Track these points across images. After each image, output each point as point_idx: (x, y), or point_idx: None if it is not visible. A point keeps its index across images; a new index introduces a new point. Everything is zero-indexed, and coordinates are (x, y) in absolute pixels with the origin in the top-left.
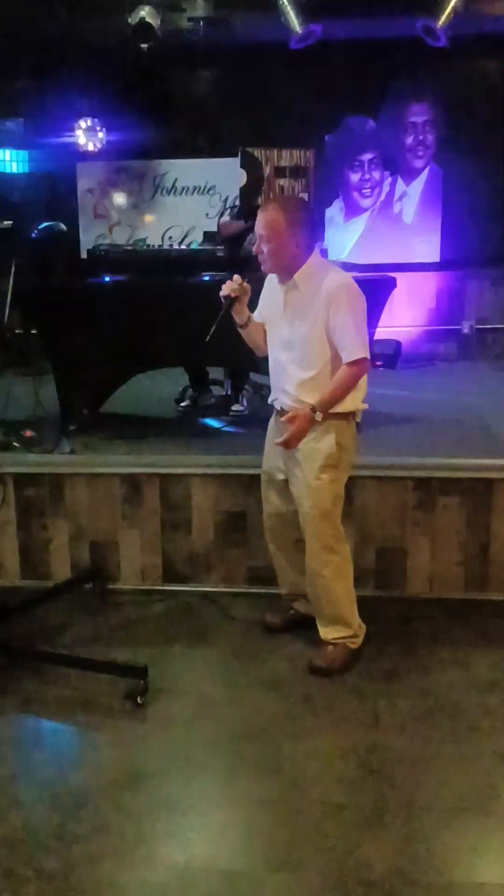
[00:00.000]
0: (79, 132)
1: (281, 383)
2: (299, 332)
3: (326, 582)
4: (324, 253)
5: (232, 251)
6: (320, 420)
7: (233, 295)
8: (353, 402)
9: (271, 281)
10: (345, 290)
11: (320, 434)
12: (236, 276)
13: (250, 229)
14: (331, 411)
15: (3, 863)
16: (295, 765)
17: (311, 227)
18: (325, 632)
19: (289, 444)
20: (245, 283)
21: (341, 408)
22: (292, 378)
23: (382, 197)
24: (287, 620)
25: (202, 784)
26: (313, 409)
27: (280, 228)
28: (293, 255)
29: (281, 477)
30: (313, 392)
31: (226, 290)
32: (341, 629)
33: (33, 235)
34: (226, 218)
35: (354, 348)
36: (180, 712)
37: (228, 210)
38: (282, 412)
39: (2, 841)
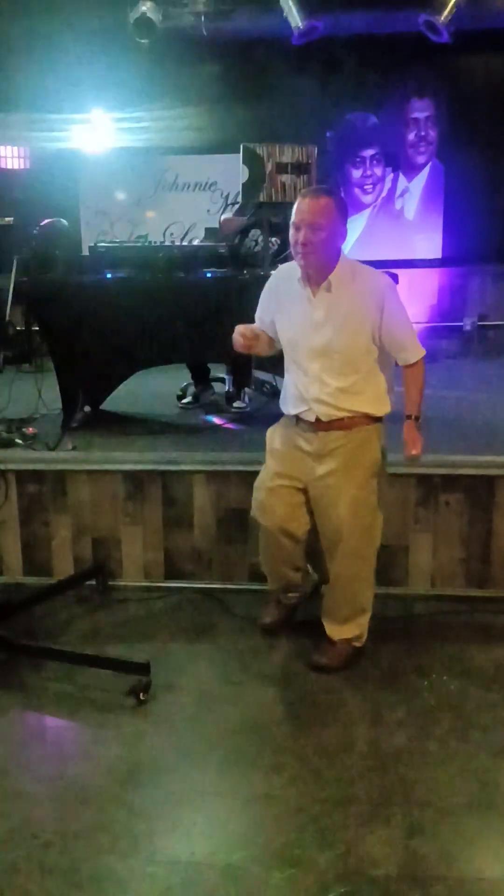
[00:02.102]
0: (80, 127)
1: (313, 394)
2: (340, 339)
3: (356, 589)
4: None
5: (233, 247)
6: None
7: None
8: (389, 404)
9: (285, 285)
10: (392, 291)
11: (363, 441)
12: (244, 331)
13: (252, 225)
14: (372, 414)
15: (6, 858)
16: (297, 760)
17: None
18: (335, 631)
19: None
20: (256, 331)
21: (382, 411)
22: (329, 386)
23: (384, 193)
24: (281, 618)
25: (204, 779)
26: (415, 418)
27: (334, 217)
28: (338, 249)
29: (299, 486)
30: (356, 397)
31: (241, 348)
32: (352, 629)
33: (34, 232)
34: (227, 214)
35: (416, 348)
36: (182, 708)
37: (230, 206)
38: (318, 422)
39: (5, 836)
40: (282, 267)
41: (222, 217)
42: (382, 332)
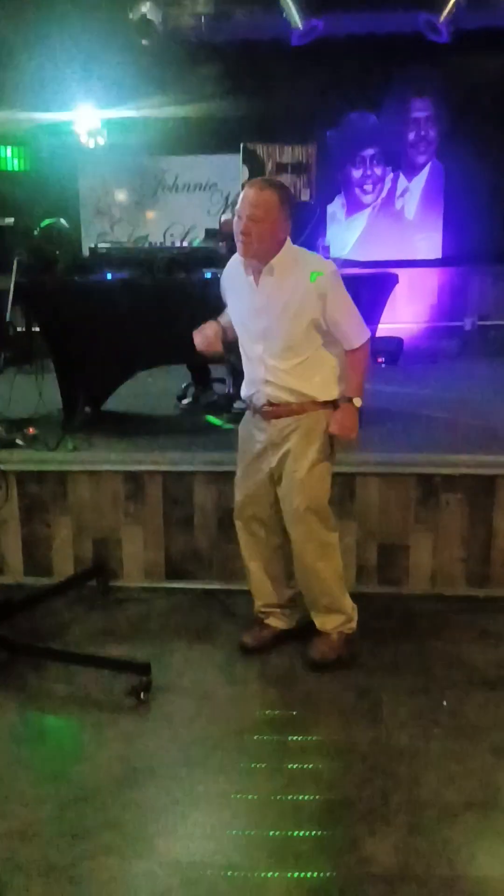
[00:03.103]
0: (81, 128)
1: (260, 377)
2: (280, 324)
3: (320, 573)
4: (326, 250)
5: (233, 248)
6: (359, 405)
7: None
8: (338, 389)
9: (234, 273)
10: (335, 278)
11: (313, 423)
12: (207, 330)
13: None
14: (319, 399)
15: (8, 858)
16: (297, 760)
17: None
18: (323, 622)
19: (349, 434)
20: (215, 329)
21: (329, 395)
22: (274, 369)
23: (384, 193)
24: (263, 641)
25: (205, 780)
26: (353, 400)
27: (275, 210)
28: (280, 240)
29: (265, 475)
30: (301, 381)
31: (205, 346)
32: (336, 616)
33: (35, 233)
34: (227, 215)
35: (359, 334)
36: (183, 709)
37: (230, 207)
38: (266, 406)
39: (5, 836)
40: (233, 257)
41: (223, 218)
42: (327, 318)
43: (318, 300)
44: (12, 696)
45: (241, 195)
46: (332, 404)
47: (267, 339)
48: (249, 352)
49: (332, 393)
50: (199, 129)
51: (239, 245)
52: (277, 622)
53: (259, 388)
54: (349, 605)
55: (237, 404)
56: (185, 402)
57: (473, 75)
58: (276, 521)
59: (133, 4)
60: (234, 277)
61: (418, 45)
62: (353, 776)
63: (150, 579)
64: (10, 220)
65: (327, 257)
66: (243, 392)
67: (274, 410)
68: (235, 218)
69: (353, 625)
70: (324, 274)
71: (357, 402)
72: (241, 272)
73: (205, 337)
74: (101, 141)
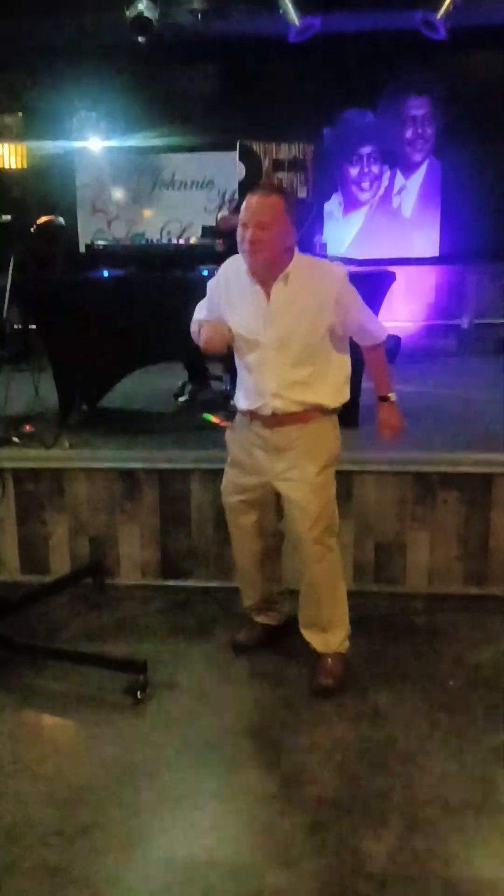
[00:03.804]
0: (77, 126)
1: (270, 387)
2: (297, 332)
3: (329, 583)
4: (323, 247)
5: (231, 245)
6: (394, 398)
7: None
8: (346, 394)
9: (234, 279)
10: (348, 286)
11: (319, 431)
12: (219, 330)
13: None
14: (327, 406)
15: (4, 857)
16: (295, 759)
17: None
18: (326, 641)
19: (401, 431)
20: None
21: (337, 402)
22: (288, 378)
23: (381, 191)
24: (255, 639)
25: (202, 779)
26: (386, 398)
27: (282, 215)
28: (290, 247)
29: (262, 483)
30: (312, 390)
31: (216, 344)
32: (338, 631)
33: (31, 230)
34: (224, 212)
35: (381, 327)
36: (180, 707)
37: (227, 204)
38: (273, 416)
39: (2, 835)
40: (228, 262)
41: (220, 215)
42: (347, 320)
43: (335, 305)
44: (8, 695)
45: (244, 203)
46: (335, 412)
47: (280, 349)
48: (254, 362)
49: (341, 399)
50: (196, 126)
51: (247, 256)
52: (267, 619)
53: (266, 400)
54: (347, 620)
55: (234, 402)
56: (181, 399)
57: (471, 73)
58: (269, 524)
59: (130, 2)
60: (233, 284)
61: (415, 43)
62: (350, 774)
63: (147, 577)
64: (6, 218)
65: (324, 255)
66: (243, 404)
67: (279, 419)
68: (240, 227)
69: (347, 643)
70: (337, 279)
71: (392, 396)
72: (243, 280)
73: (222, 336)
74: (98, 138)
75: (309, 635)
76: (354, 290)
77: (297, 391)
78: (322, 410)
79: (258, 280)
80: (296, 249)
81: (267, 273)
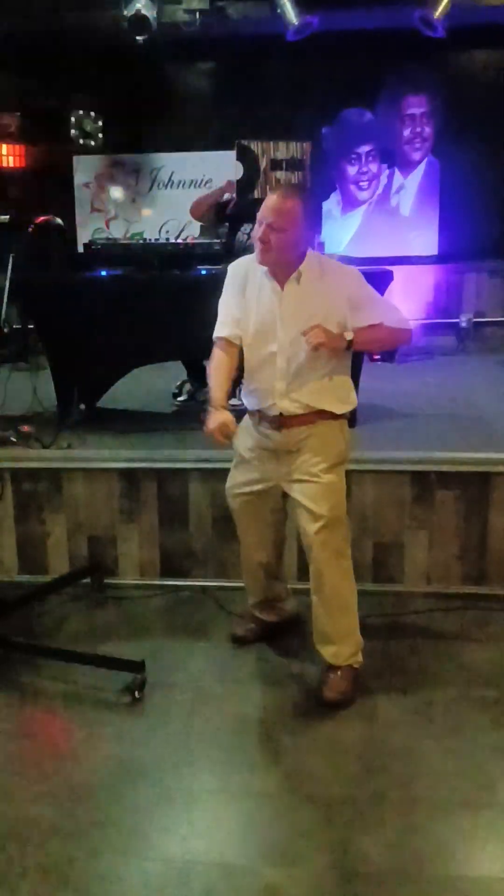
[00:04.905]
0: (75, 126)
1: (279, 388)
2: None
3: (343, 591)
4: (321, 246)
5: (228, 243)
6: (350, 338)
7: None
8: (353, 401)
9: (249, 278)
10: (360, 283)
11: (327, 431)
12: (225, 420)
13: (240, 218)
14: (334, 412)
15: (2, 857)
16: (293, 758)
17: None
18: (336, 652)
19: (319, 344)
20: (229, 428)
21: (345, 408)
22: (296, 380)
23: (380, 190)
24: (255, 633)
25: (200, 778)
26: (351, 340)
27: (298, 220)
28: (301, 252)
29: (269, 485)
30: (321, 394)
31: (218, 438)
32: (351, 644)
33: (28, 229)
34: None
35: (404, 323)
36: (178, 706)
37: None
38: (281, 418)
39: (1, 835)
40: (240, 261)
41: (192, 205)
42: (358, 316)
43: (346, 302)
44: (6, 694)
45: (264, 202)
46: (345, 416)
47: (290, 350)
48: (264, 362)
49: (348, 406)
50: (194, 126)
51: (257, 251)
52: (268, 616)
53: (274, 400)
54: (358, 629)
55: (232, 401)
56: (180, 399)
57: (469, 71)
58: (269, 531)
59: (128, 1)
60: (250, 283)
61: (414, 41)
62: (348, 773)
63: (145, 577)
64: (5, 218)
65: (322, 253)
66: (250, 404)
67: (286, 420)
68: (256, 223)
69: (361, 657)
70: (350, 276)
71: (348, 335)
72: (258, 277)
73: (231, 432)
74: (96, 137)
75: (321, 647)
76: (369, 287)
77: (304, 394)
78: (330, 415)
79: (275, 277)
80: (310, 250)
81: (277, 269)
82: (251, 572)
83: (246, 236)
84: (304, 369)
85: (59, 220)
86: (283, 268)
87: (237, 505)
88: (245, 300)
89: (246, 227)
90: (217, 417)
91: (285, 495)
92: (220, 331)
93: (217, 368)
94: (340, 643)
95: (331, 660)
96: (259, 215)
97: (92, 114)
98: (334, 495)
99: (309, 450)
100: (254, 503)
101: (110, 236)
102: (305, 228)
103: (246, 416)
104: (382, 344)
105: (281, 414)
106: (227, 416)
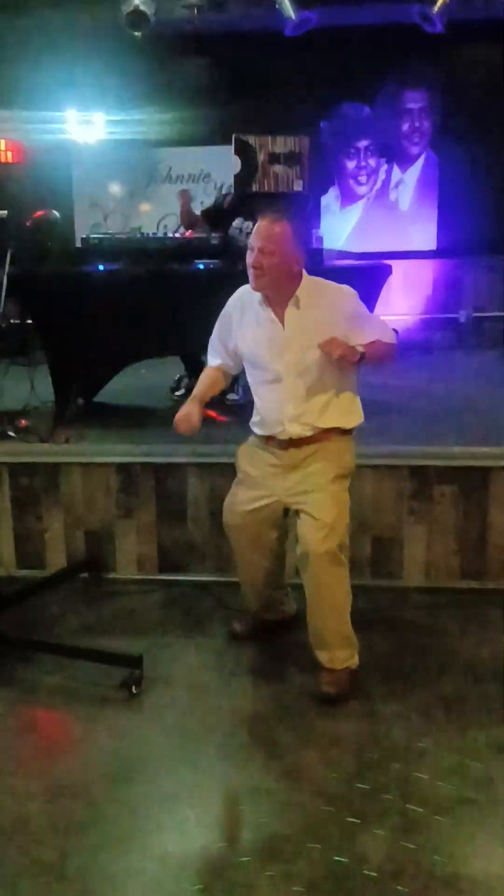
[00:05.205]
0: (74, 120)
1: (288, 413)
2: (313, 356)
3: (339, 598)
4: (319, 241)
5: (226, 240)
6: (362, 351)
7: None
8: (360, 415)
9: (246, 307)
10: (356, 303)
11: (334, 448)
12: (189, 411)
13: (234, 213)
14: (342, 428)
15: None
16: (290, 755)
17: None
18: (333, 658)
19: (338, 352)
20: (193, 421)
21: (352, 423)
22: (303, 404)
23: (378, 184)
24: (253, 629)
25: (197, 774)
26: (362, 355)
27: (288, 244)
28: (295, 273)
29: (272, 500)
30: (328, 414)
31: (184, 429)
32: (347, 648)
33: (26, 224)
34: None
35: (392, 335)
36: (175, 702)
37: (224, 196)
38: (290, 440)
39: None
40: (236, 294)
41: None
42: (356, 335)
43: (344, 321)
44: (2, 689)
45: (255, 228)
46: (351, 432)
47: (297, 376)
48: (271, 390)
49: (356, 421)
50: (192, 120)
51: (251, 278)
52: (267, 614)
53: (284, 426)
54: (353, 636)
55: (230, 396)
56: (178, 393)
57: (468, 66)
58: (269, 544)
59: None
60: (247, 312)
61: (412, 36)
62: (347, 770)
63: (143, 572)
64: (2, 213)
65: (321, 248)
66: (259, 430)
67: (295, 442)
68: (248, 250)
69: (356, 658)
70: (346, 296)
71: (360, 349)
72: (256, 308)
73: (192, 426)
74: (95, 133)
75: (317, 652)
76: (363, 306)
77: (313, 416)
78: (338, 431)
79: (270, 304)
80: (304, 272)
81: (274, 293)
82: (249, 587)
83: (238, 230)
84: (313, 389)
85: (56, 215)
86: (279, 292)
87: (238, 521)
88: (240, 329)
89: (238, 221)
90: (185, 408)
91: (286, 512)
92: (212, 361)
93: (207, 376)
94: (336, 648)
95: (327, 664)
96: (250, 242)
97: (90, 108)
98: (337, 505)
99: (315, 462)
100: (256, 521)
101: (108, 231)
102: (297, 251)
103: (251, 437)
104: (383, 359)
105: (290, 438)
106: (194, 409)
